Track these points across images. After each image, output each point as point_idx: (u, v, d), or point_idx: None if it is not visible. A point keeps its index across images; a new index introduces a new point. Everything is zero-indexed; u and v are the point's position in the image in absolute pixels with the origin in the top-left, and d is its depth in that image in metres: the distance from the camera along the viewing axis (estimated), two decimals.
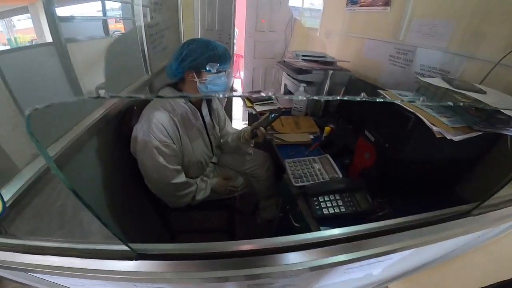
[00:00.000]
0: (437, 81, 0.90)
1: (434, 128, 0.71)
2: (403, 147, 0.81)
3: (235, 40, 2.41)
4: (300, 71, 1.58)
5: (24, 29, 0.75)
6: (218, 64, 0.99)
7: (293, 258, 0.45)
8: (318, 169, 1.10)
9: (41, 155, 0.69)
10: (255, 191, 1.47)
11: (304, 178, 1.05)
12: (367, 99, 0.26)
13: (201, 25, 2.16)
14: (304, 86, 1.58)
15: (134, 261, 0.42)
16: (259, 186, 1.44)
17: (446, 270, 0.94)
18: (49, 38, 0.77)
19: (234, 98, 2.73)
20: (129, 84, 1.27)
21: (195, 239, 1.12)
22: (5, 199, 0.56)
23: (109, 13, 1.17)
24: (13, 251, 0.43)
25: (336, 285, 0.75)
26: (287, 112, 1.69)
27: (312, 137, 1.40)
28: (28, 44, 0.76)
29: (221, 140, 1.37)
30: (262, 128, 1.20)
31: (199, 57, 0.97)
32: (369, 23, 1.61)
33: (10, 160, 0.63)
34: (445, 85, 0.85)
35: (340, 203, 0.88)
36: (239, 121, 3.12)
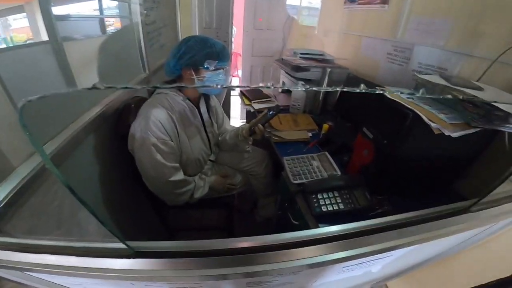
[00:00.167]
0: (435, 78, 0.90)
1: (433, 125, 0.71)
2: (402, 144, 0.81)
3: (233, 38, 2.40)
4: (298, 69, 1.58)
5: (20, 28, 0.74)
6: (216, 62, 0.99)
7: (292, 255, 0.45)
8: (317, 166, 1.10)
9: (37, 153, 0.68)
10: (253, 189, 1.47)
11: (303, 176, 1.05)
12: (366, 91, 0.26)
13: (199, 23, 2.15)
14: (302, 84, 1.58)
15: (132, 259, 0.41)
16: (258, 184, 1.44)
17: (446, 268, 0.94)
18: (45, 37, 0.76)
19: (232, 97, 2.72)
20: (126, 82, 1.26)
21: (193, 237, 1.12)
22: (1, 198, 0.55)
23: (106, 12, 1.16)
24: (9, 250, 0.43)
25: (336, 283, 0.75)
26: (285, 109, 1.69)
27: (310, 134, 1.40)
28: (24, 43, 0.75)
29: (219, 138, 1.36)
30: (260, 126, 1.19)
31: (197, 54, 0.97)
32: (367, 21, 1.61)
33: (6, 159, 0.62)
34: (442, 82, 0.85)
35: (338, 200, 0.88)
36: (237, 119, 3.12)
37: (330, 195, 0.89)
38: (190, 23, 2.09)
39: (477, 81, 0.91)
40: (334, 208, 0.86)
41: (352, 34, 1.75)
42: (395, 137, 0.82)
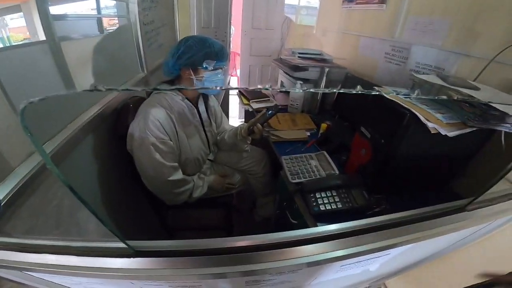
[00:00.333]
0: (432, 78, 0.90)
1: (429, 124, 0.72)
2: (399, 143, 0.82)
3: (231, 38, 2.41)
4: (296, 68, 1.58)
5: (17, 27, 0.74)
6: (215, 61, 0.99)
7: (290, 254, 0.45)
8: (315, 165, 1.10)
9: (35, 153, 0.68)
10: (252, 188, 1.48)
11: (301, 175, 1.05)
12: (362, 92, 0.26)
13: (197, 23, 2.15)
14: (300, 83, 1.58)
15: (132, 259, 0.42)
16: (256, 183, 1.45)
17: (443, 266, 0.95)
18: (42, 37, 0.76)
19: (230, 96, 2.72)
20: (124, 82, 1.26)
21: (192, 237, 1.12)
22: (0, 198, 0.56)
23: (103, 11, 1.15)
24: (9, 250, 0.43)
25: (334, 282, 0.76)
26: (283, 109, 1.69)
27: (308, 134, 1.41)
28: (21, 42, 0.75)
29: (218, 137, 1.37)
30: (259, 125, 1.20)
31: (196, 54, 0.97)
32: (365, 20, 1.62)
33: (4, 160, 0.62)
34: (439, 81, 0.86)
35: (337, 199, 0.88)
36: (235, 119, 3.12)
37: (328, 194, 0.90)
38: (188, 22, 2.09)
39: (474, 80, 0.92)
40: (332, 207, 0.86)
41: (350, 34, 1.76)
42: (392, 136, 0.83)
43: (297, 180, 1.03)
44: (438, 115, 0.74)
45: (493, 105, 0.65)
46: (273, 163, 1.45)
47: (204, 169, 1.29)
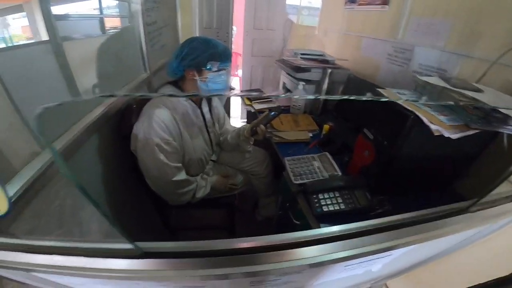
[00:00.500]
0: (435, 80, 0.90)
1: (432, 126, 0.72)
2: (402, 145, 0.82)
3: (233, 38, 2.41)
4: (298, 69, 1.58)
5: (20, 27, 0.74)
6: (219, 63, 1.00)
7: (294, 255, 0.45)
8: (318, 166, 1.11)
9: (38, 156, 0.68)
10: (254, 189, 1.48)
11: (304, 176, 1.05)
12: (371, 99, 0.27)
13: (199, 23, 2.15)
14: (302, 85, 1.58)
15: (138, 260, 0.42)
16: (259, 184, 1.45)
17: (445, 267, 0.95)
18: (44, 37, 0.76)
19: (232, 97, 2.72)
20: (127, 83, 1.26)
21: (195, 236, 1.12)
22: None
23: (105, 11, 1.16)
24: (16, 251, 0.43)
25: (337, 282, 0.76)
26: (286, 110, 1.70)
27: (311, 135, 1.41)
28: (24, 42, 0.76)
29: (221, 138, 1.37)
30: (262, 126, 1.20)
31: (200, 55, 0.97)
32: (367, 21, 1.61)
33: (6, 160, 0.62)
34: (442, 83, 0.86)
35: (339, 200, 0.89)
36: (237, 119, 3.12)
37: (331, 195, 0.90)
38: (190, 23, 2.09)
39: (477, 82, 0.92)
40: (335, 208, 0.87)
41: (353, 35, 1.76)
42: (395, 138, 0.83)
43: (300, 181, 1.03)
44: (441, 117, 0.75)
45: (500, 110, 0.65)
46: (275, 164, 1.46)
47: (207, 170, 1.29)
